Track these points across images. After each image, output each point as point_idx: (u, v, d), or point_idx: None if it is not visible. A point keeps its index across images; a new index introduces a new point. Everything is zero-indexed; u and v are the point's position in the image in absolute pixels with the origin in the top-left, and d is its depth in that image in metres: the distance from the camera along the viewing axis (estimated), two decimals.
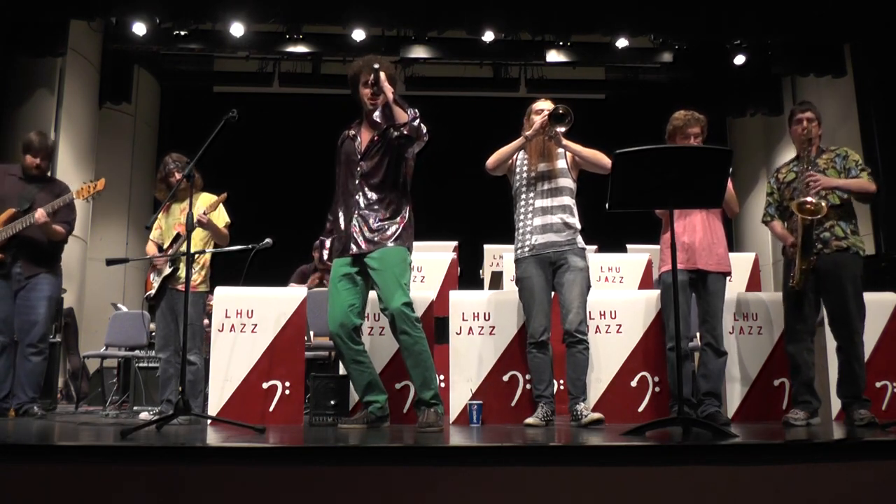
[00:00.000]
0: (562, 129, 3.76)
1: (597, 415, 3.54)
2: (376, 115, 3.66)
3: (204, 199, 4.34)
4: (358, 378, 3.60)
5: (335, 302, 3.57)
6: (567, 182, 3.86)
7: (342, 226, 3.64)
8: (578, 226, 3.85)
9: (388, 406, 3.65)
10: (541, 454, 2.32)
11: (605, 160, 3.77)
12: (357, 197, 3.61)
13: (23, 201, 4.53)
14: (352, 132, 3.75)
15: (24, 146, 4.62)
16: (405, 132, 3.50)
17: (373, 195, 3.59)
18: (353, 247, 3.56)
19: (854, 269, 3.73)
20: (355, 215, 3.58)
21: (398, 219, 3.59)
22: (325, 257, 3.78)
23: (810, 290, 3.75)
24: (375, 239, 3.54)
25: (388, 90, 3.53)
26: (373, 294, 3.69)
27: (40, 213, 4.39)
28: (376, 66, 3.54)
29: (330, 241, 3.77)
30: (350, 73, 3.71)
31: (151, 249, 4.42)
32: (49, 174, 4.81)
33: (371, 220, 3.56)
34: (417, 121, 3.51)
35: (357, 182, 3.62)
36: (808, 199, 3.65)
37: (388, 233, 3.55)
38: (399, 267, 3.51)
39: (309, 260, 6.93)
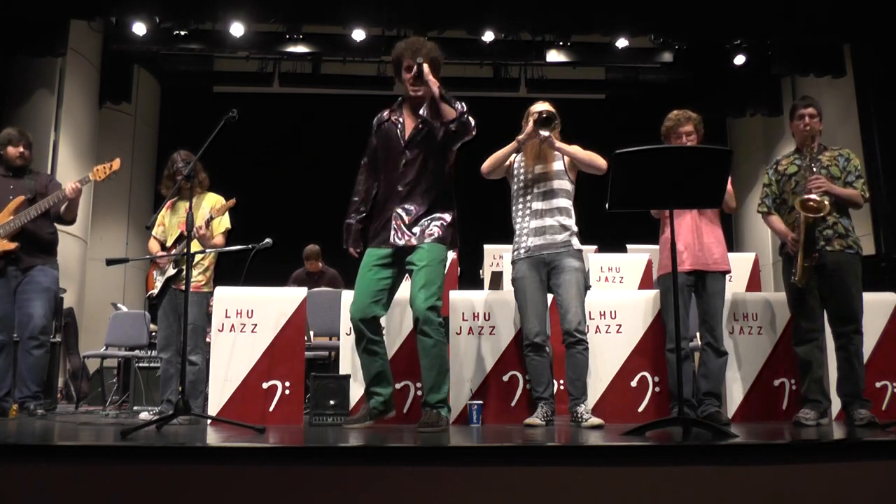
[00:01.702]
0: (545, 134, 3.75)
1: (597, 420, 3.54)
2: (423, 111, 3.57)
3: (210, 199, 4.35)
4: (369, 366, 3.54)
5: (361, 289, 3.50)
6: (563, 184, 3.86)
7: (382, 215, 3.56)
8: (575, 228, 3.84)
9: (392, 401, 3.59)
10: (541, 454, 2.32)
11: (599, 161, 3.77)
12: (399, 187, 3.51)
13: (28, 191, 4.56)
14: (394, 116, 3.64)
15: (3, 141, 4.62)
16: (453, 128, 3.43)
17: (415, 185, 3.50)
18: (395, 239, 3.48)
19: (857, 269, 3.74)
20: (396, 206, 3.50)
21: (441, 215, 3.52)
22: (349, 242, 3.67)
23: (814, 287, 3.74)
24: (417, 234, 3.46)
25: (434, 84, 3.43)
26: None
27: (72, 188, 4.42)
28: (420, 59, 3.44)
29: (356, 223, 3.67)
30: (393, 56, 3.61)
31: (154, 246, 4.42)
32: (32, 168, 4.79)
33: (413, 212, 3.48)
34: (466, 115, 3.42)
35: (400, 170, 3.53)
36: (812, 196, 3.65)
37: (431, 230, 3.47)
38: (436, 269, 3.42)
39: (300, 264, 6.96)
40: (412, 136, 3.56)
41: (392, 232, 3.49)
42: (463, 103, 3.45)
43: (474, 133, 3.49)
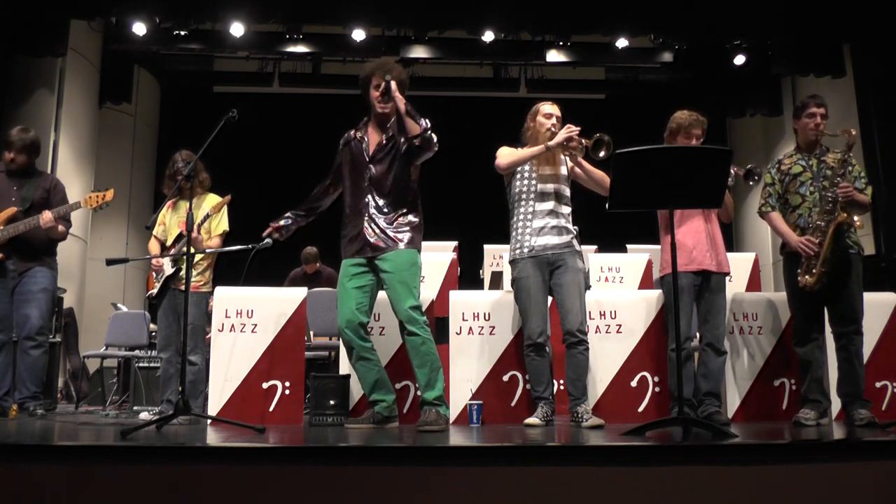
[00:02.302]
0: (602, 153, 3.77)
1: (598, 420, 3.55)
2: (389, 126, 3.69)
3: (211, 200, 4.36)
4: (365, 375, 3.62)
5: (344, 300, 3.63)
6: (566, 189, 3.93)
7: (352, 227, 3.67)
8: (575, 231, 3.90)
9: (395, 407, 3.67)
10: (541, 454, 2.32)
11: (608, 183, 3.80)
12: (367, 199, 3.64)
13: (23, 201, 4.53)
14: (358, 134, 3.77)
15: (4, 143, 4.60)
16: (417, 143, 3.53)
17: (382, 199, 3.63)
18: (368, 249, 3.60)
19: (858, 268, 3.74)
20: (366, 218, 3.62)
21: (409, 222, 3.64)
22: (280, 225, 3.83)
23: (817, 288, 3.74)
24: (388, 242, 3.58)
25: (401, 101, 3.55)
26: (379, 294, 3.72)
27: (47, 217, 4.39)
28: (388, 76, 3.57)
29: (291, 213, 3.89)
30: (362, 74, 3.72)
31: (154, 246, 4.42)
32: (35, 168, 4.73)
33: (382, 223, 3.60)
34: (429, 132, 3.53)
35: (366, 185, 3.66)
36: (856, 215, 3.67)
37: (400, 236, 3.59)
38: (409, 271, 3.55)
39: (300, 264, 6.97)
40: (376, 151, 3.69)
41: (363, 242, 3.61)
42: (427, 120, 3.55)
43: (436, 149, 3.60)
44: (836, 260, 3.67)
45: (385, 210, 3.62)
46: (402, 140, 3.62)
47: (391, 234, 3.59)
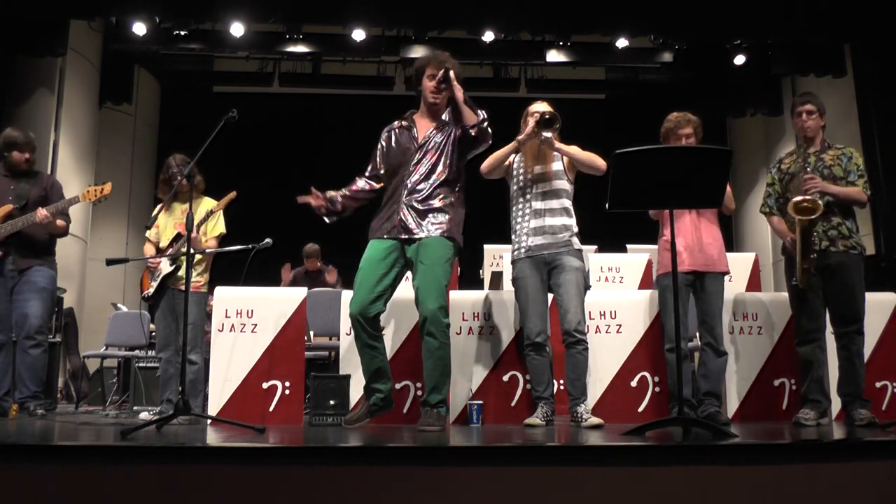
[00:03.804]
0: (548, 134, 3.77)
1: (597, 420, 3.55)
2: (445, 116, 3.70)
3: (206, 204, 4.35)
4: (368, 363, 3.56)
5: (363, 283, 3.52)
6: (563, 184, 3.87)
7: (388, 209, 3.62)
8: (575, 228, 3.85)
9: (392, 395, 3.62)
10: (541, 454, 2.32)
11: (599, 162, 3.79)
12: (409, 184, 3.58)
13: (19, 199, 4.53)
14: (405, 123, 3.75)
15: (9, 144, 4.58)
16: (473, 133, 3.51)
17: (426, 185, 3.57)
18: (403, 233, 3.53)
19: (860, 269, 3.73)
20: (404, 202, 3.56)
21: (449, 211, 3.57)
22: (328, 196, 3.76)
23: (817, 287, 3.73)
24: (425, 227, 3.51)
25: (459, 90, 3.55)
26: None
27: (42, 214, 4.39)
28: (447, 64, 3.58)
29: (343, 191, 3.78)
30: (416, 65, 3.75)
31: (149, 249, 4.41)
32: (32, 167, 4.74)
33: (422, 208, 3.54)
34: (486, 123, 3.52)
35: (411, 170, 3.61)
36: (806, 196, 3.63)
37: (437, 222, 3.52)
38: (442, 267, 3.47)
39: (300, 263, 6.98)
40: (425, 139, 3.65)
41: (398, 223, 3.54)
42: (484, 112, 3.53)
43: (490, 142, 3.58)
44: (808, 252, 3.64)
45: (426, 197, 3.55)
46: (458, 130, 3.59)
47: (430, 220, 3.52)
